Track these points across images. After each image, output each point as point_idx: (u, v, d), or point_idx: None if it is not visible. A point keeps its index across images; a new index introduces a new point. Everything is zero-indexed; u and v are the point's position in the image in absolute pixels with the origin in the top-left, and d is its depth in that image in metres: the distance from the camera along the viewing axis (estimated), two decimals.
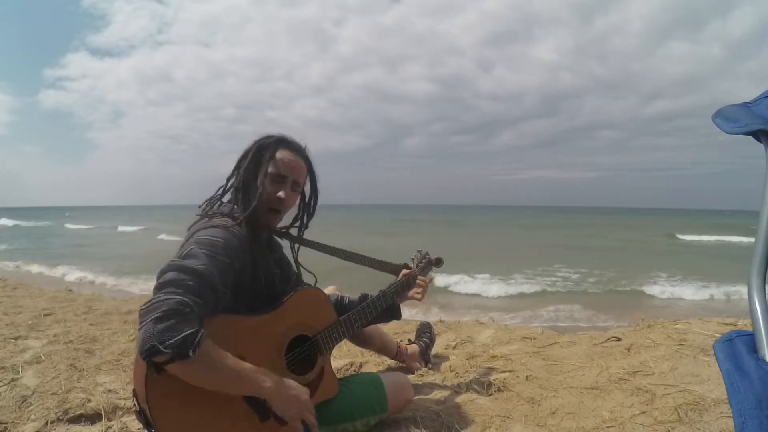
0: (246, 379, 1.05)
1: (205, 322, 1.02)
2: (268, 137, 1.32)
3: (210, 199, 1.33)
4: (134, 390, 1.08)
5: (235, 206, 1.27)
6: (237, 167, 1.31)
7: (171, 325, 0.92)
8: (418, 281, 1.61)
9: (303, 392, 1.16)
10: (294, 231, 1.46)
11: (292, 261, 1.47)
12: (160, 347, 0.90)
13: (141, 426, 1.52)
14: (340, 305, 1.61)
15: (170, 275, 1.00)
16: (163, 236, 20.69)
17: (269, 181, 1.28)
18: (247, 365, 1.06)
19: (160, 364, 0.94)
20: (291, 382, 1.15)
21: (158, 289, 0.99)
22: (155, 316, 0.92)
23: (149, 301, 0.96)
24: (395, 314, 1.62)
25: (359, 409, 1.38)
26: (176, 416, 1.02)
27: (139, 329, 0.93)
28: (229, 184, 1.31)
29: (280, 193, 1.28)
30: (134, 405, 1.07)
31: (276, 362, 1.21)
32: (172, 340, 0.91)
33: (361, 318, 1.47)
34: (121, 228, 28.63)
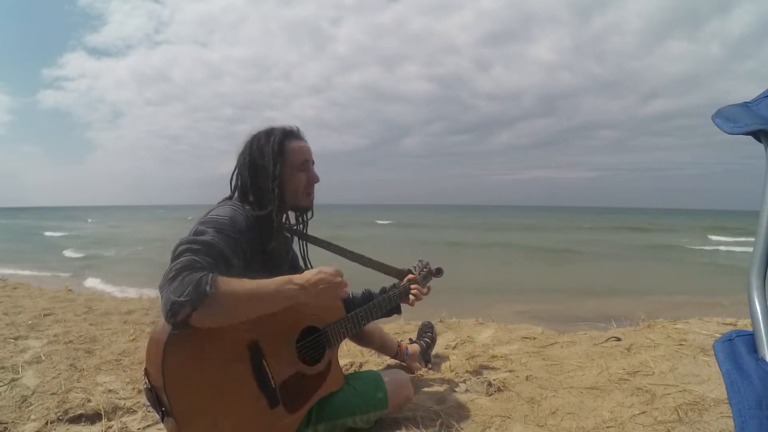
0: (274, 294, 1.09)
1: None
2: (272, 132, 1.36)
3: (226, 198, 1.37)
4: (146, 369, 1.08)
5: (255, 202, 1.31)
6: (259, 167, 1.33)
7: (183, 277, 0.95)
8: (416, 290, 1.67)
9: (327, 276, 1.18)
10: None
11: (299, 257, 1.49)
12: (179, 299, 0.93)
13: (141, 426, 1.52)
14: (346, 300, 1.64)
15: (182, 247, 1.05)
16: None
17: (297, 171, 1.36)
18: (266, 281, 1.09)
19: (186, 318, 0.95)
20: (313, 276, 1.17)
21: (172, 261, 1.02)
22: (169, 277, 0.96)
23: (165, 272, 1.00)
24: (397, 310, 1.72)
25: (360, 405, 1.39)
26: (190, 393, 1.03)
27: (161, 299, 0.96)
28: (251, 183, 1.34)
29: (311, 175, 1.39)
30: (145, 383, 1.07)
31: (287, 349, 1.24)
32: (188, 288, 0.94)
33: (367, 317, 1.53)
34: (48, 233, 29.50)
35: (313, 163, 1.43)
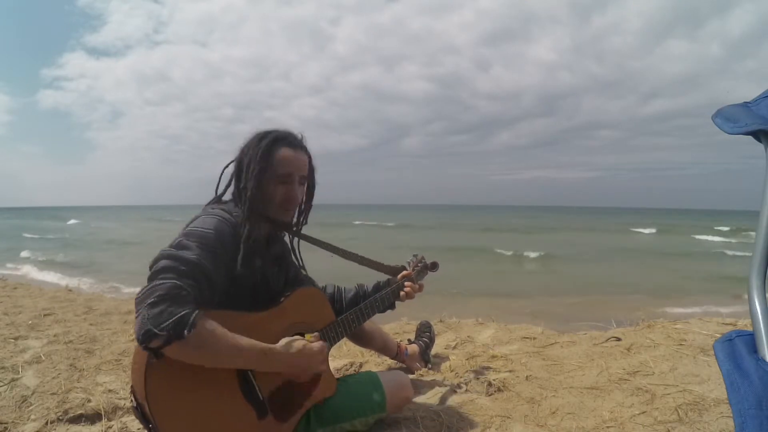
0: (245, 355, 1.06)
1: (205, 315, 1.01)
2: (266, 135, 1.29)
3: (214, 199, 1.34)
4: (132, 387, 1.08)
5: (239, 205, 1.26)
6: (242, 169, 1.27)
7: (165, 308, 0.93)
8: (409, 287, 1.64)
9: (302, 349, 1.14)
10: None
11: (294, 255, 1.46)
12: (155, 330, 0.91)
13: (141, 426, 1.52)
14: (339, 296, 1.64)
15: (163, 263, 1.02)
16: None
17: (278, 182, 1.28)
18: (245, 340, 1.05)
19: (158, 348, 0.94)
20: (290, 346, 1.13)
21: (152, 277, 1.00)
22: (150, 301, 0.94)
23: (144, 289, 0.97)
24: (390, 307, 1.66)
25: (358, 409, 1.38)
26: (175, 411, 1.02)
27: (135, 317, 0.95)
28: (235, 185, 1.29)
29: (290, 193, 1.29)
30: (132, 401, 1.07)
31: None
32: (167, 322, 0.92)
33: (359, 318, 1.49)
34: (26, 234, 29.58)
35: (303, 179, 1.34)
